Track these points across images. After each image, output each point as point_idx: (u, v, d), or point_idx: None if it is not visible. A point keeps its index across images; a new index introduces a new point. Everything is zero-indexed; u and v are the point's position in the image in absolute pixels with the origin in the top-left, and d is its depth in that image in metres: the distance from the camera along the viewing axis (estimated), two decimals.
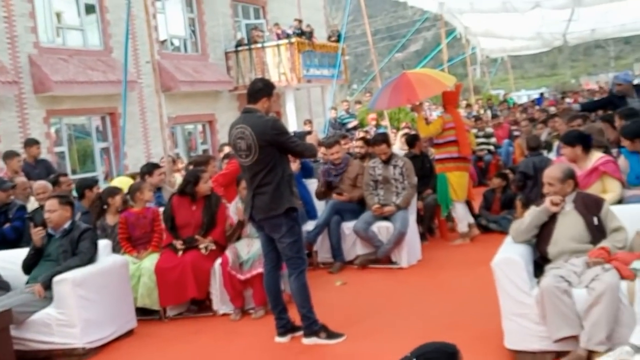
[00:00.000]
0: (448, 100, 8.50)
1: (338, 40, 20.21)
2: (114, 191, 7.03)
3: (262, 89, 5.19)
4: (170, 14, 18.30)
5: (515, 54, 26.41)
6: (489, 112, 19.14)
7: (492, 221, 8.66)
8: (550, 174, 4.74)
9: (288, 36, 19.25)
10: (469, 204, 8.67)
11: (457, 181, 8.28)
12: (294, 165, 8.16)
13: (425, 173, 8.72)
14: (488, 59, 26.46)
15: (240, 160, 5.19)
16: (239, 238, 6.51)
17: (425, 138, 8.94)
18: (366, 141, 9.10)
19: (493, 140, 13.25)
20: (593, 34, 20.25)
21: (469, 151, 8.36)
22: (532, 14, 15.22)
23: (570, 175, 4.70)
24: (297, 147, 5.21)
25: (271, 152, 5.02)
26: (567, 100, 21.24)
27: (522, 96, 33.50)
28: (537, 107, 19.11)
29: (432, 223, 8.88)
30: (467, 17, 17.47)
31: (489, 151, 13.00)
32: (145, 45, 12.59)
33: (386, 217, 7.46)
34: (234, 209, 6.55)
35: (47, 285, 5.44)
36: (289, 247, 5.13)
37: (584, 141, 5.85)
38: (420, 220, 8.31)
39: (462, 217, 8.41)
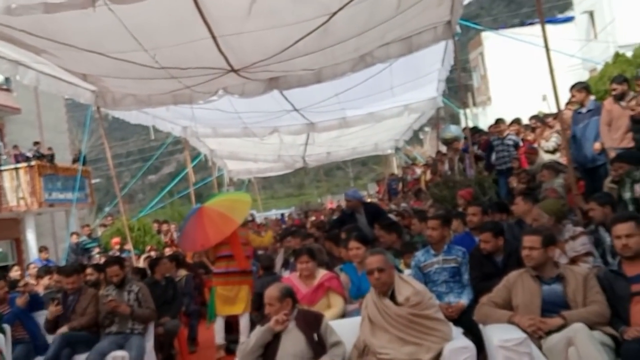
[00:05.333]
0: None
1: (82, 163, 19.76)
2: None
3: None
4: None
5: (261, 175, 27.39)
6: None
7: (233, 341, 8.68)
8: (269, 294, 4.95)
9: (27, 159, 18.45)
10: None
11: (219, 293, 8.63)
12: (20, 299, 7.64)
13: (167, 299, 8.58)
14: (238, 180, 27.11)
15: None
16: None
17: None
18: (97, 267, 8.84)
19: None
20: (329, 156, 21.79)
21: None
22: (272, 138, 16.01)
23: (288, 294, 4.93)
24: None
25: None
26: (311, 218, 22.42)
27: (272, 215, 34.75)
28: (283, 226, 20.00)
29: (172, 349, 8.68)
30: (212, 141, 17.97)
31: None
32: None
33: (121, 346, 7.15)
34: None
35: None
36: None
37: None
38: (159, 347, 8.10)
39: (218, 331, 8.58)
